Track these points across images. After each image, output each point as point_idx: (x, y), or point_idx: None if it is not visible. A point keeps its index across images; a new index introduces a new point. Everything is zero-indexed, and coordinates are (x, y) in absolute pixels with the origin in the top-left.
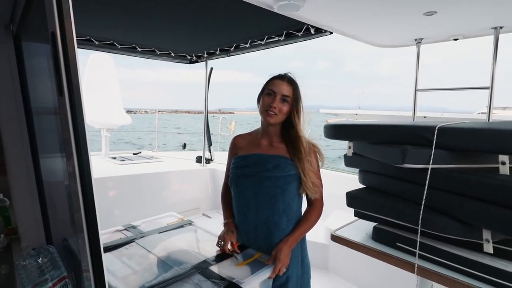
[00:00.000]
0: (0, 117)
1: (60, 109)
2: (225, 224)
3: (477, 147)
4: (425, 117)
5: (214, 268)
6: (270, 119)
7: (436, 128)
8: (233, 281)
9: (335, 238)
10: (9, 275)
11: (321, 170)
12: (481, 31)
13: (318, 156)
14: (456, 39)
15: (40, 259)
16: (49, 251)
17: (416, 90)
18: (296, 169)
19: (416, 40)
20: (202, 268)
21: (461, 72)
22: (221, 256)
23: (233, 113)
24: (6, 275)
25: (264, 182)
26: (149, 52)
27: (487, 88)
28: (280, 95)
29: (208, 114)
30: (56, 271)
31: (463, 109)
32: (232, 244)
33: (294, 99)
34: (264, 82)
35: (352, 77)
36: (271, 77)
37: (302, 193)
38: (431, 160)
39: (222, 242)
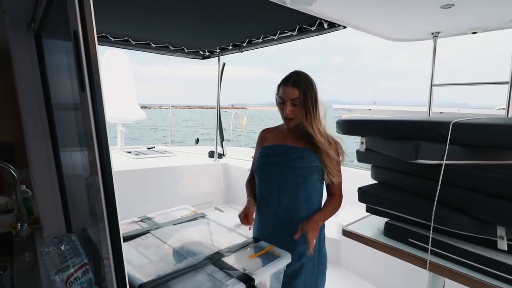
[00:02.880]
0: (23, 112)
1: (82, 104)
2: (247, 201)
3: (493, 142)
4: (441, 112)
5: (227, 260)
6: (290, 124)
7: (451, 123)
8: (245, 272)
9: (347, 233)
10: (33, 261)
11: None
12: (500, 24)
13: (339, 151)
14: (474, 33)
15: (63, 246)
16: (71, 239)
17: (432, 85)
18: (318, 161)
19: (432, 34)
20: (215, 259)
21: (484, 66)
22: (234, 249)
23: (246, 108)
24: (31, 262)
25: (287, 171)
26: (163, 48)
27: (507, 83)
28: (289, 101)
29: (221, 110)
30: (78, 258)
31: (484, 105)
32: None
33: (304, 97)
34: (277, 78)
35: (367, 72)
36: (279, 83)
37: (326, 181)
38: (445, 156)
39: (243, 216)
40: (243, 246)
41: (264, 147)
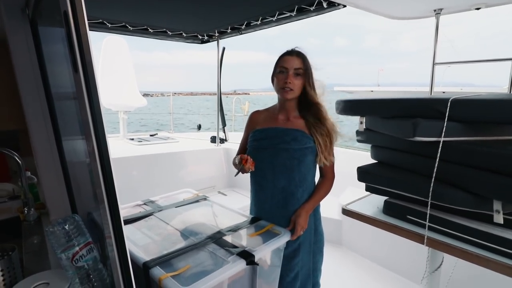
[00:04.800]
0: (23, 100)
1: (76, 85)
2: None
3: (490, 118)
4: (444, 92)
5: (228, 238)
6: (287, 95)
7: (449, 100)
8: (246, 249)
9: (347, 212)
10: (42, 243)
11: (334, 148)
12: None
13: (333, 130)
14: (478, 8)
15: (67, 226)
16: (75, 219)
17: (434, 63)
18: (312, 142)
19: (435, 11)
20: (216, 238)
21: (489, 44)
22: (235, 228)
23: (249, 94)
24: (39, 243)
25: (281, 154)
26: (161, 33)
27: (510, 59)
28: (292, 69)
29: (222, 96)
30: (82, 237)
31: (491, 84)
32: (250, 161)
33: (306, 70)
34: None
35: (371, 54)
36: (280, 56)
37: (319, 163)
38: (443, 133)
39: (240, 161)
40: (244, 225)
41: (255, 131)
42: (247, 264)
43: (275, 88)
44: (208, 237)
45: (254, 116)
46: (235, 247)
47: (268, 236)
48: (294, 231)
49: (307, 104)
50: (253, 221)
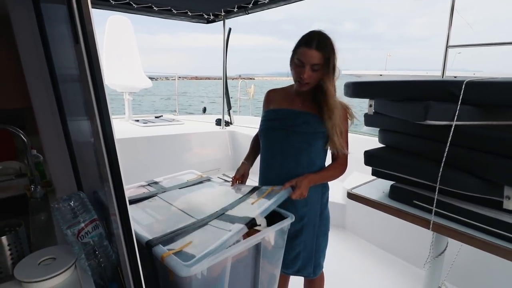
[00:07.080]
0: (28, 79)
1: (77, 57)
2: (241, 164)
3: (506, 102)
4: (455, 77)
5: (230, 212)
6: (302, 88)
7: (464, 82)
8: (246, 216)
9: (352, 196)
10: (48, 220)
11: (348, 137)
12: None
13: (348, 116)
14: None
15: (72, 202)
16: (80, 196)
17: (447, 46)
18: (324, 127)
19: None
20: (219, 214)
21: (506, 28)
22: (237, 202)
23: (254, 79)
24: (46, 220)
25: (291, 136)
26: (165, 11)
27: None
28: (309, 65)
29: (228, 80)
30: (88, 214)
31: (504, 73)
32: (236, 179)
33: (326, 62)
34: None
35: (380, 39)
36: (298, 41)
37: (329, 149)
38: (456, 116)
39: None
40: (246, 196)
41: (269, 111)
42: (248, 228)
43: (292, 76)
44: (211, 215)
45: (270, 95)
46: (237, 217)
47: (269, 197)
48: (292, 193)
49: (322, 92)
50: (253, 190)
